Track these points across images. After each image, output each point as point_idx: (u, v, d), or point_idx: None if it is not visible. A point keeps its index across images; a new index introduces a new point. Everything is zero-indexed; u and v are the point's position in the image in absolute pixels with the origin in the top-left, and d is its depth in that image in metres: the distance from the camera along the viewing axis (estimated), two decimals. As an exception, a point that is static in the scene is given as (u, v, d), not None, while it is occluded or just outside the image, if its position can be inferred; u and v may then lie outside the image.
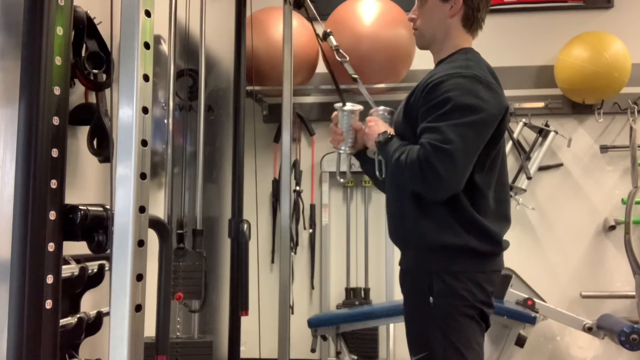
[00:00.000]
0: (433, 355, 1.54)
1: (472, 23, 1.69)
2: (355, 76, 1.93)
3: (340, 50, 1.93)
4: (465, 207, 1.55)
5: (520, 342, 3.04)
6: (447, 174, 1.47)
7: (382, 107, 1.81)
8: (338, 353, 3.25)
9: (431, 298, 1.54)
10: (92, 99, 1.83)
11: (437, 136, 1.48)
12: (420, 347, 1.58)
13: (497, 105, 1.56)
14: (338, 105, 1.82)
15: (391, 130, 1.68)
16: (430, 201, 1.57)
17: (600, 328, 3.13)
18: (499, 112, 1.57)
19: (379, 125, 1.71)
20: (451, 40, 1.69)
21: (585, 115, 3.59)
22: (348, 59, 1.92)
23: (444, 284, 1.54)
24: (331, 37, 1.99)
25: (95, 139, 1.81)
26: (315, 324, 3.06)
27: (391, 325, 3.43)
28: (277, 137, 3.64)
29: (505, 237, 1.66)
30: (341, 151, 1.82)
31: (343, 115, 1.80)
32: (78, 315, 1.61)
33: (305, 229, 3.70)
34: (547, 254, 3.57)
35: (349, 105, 1.81)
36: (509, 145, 3.50)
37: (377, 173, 1.73)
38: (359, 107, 1.84)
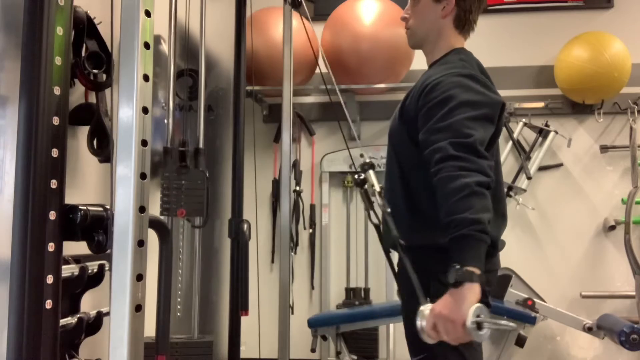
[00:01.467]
0: (433, 356, 1.53)
1: (464, 24, 1.68)
2: None
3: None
4: None
5: (520, 342, 3.04)
6: (479, 160, 1.39)
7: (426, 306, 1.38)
8: (338, 353, 3.25)
9: (429, 299, 1.54)
10: (92, 99, 1.83)
11: (450, 134, 1.42)
12: (420, 348, 1.57)
13: (496, 102, 1.56)
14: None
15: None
16: (424, 203, 1.56)
17: (600, 328, 3.13)
18: (498, 109, 1.57)
19: (437, 302, 1.35)
20: (444, 40, 1.69)
21: (585, 115, 3.59)
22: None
23: (442, 284, 1.53)
24: None
25: (95, 139, 1.81)
26: (315, 324, 3.06)
27: (391, 325, 3.43)
28: (277, 137, 3.64)
29: (506, 237, 1.65)
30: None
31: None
32: (78, 315, 1.61)
33: (305, 229, 3.70)
34: (547, 254, 3.57)
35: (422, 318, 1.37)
36: (509, 145, 3.51)
37: (507, 327, 1.35)
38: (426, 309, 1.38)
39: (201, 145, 2.61)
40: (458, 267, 1.30)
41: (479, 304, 1.28)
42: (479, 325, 1.26)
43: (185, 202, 2.48)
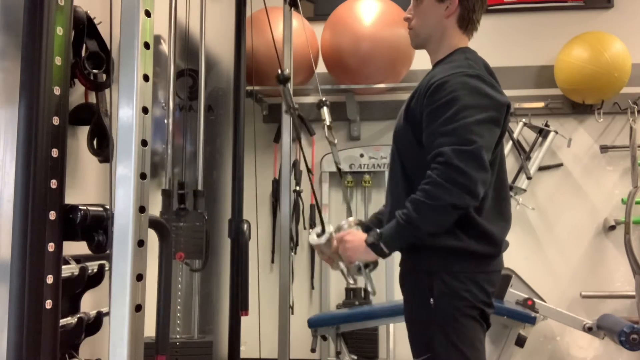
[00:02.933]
0: (435, 357, 1.53)
1: (467, 24, 1.68)
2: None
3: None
4: None
5: (520, 342, 3.03)
6: (477, 175, 1.44)
7: (346, 220, 1.75)
8: (338, 353, 3.25)
9: (432, 299, 1.54)
10: (92, 99, 1.83)
11: (455, 139, 1.45)
12: (422, 348, 1.57)
13: (502, 103, 1.56)
14: (312, 240, 1.74)
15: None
16: None
17: (600, 328, 3.13)
18: (504, 110, 1.57)
19: (355, 234, 1.64)
20: (448, 40, 1.69)
21: (585, 115, 3.59)
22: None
23: (445, 285, 1.54)
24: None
25: (95, 139, 1.81)
26: (315, 324, 3.05)
27: (391, 325, 3.43)
28: (277, 137, 3.64)
29: (506, 237, 1.65)
30: (344, 269, 1.69)
31: (321, 246, 1.72)
32: (78, 315, 1.61)
33: (305, 229, 3.70)
34: (547, 254, 3.57)
35: (318, 237, 1.72)
36: (509, 145, 3.51)
37: (370, 290, 1.68)
38: (328, 232, 1.72)
39: (200, 187, 2.62)
40: (380, 237, 1.55)
41: (372, 263, 1.64)
42: (359, 270, 1.64)
43: (184, 245, 2.46)
